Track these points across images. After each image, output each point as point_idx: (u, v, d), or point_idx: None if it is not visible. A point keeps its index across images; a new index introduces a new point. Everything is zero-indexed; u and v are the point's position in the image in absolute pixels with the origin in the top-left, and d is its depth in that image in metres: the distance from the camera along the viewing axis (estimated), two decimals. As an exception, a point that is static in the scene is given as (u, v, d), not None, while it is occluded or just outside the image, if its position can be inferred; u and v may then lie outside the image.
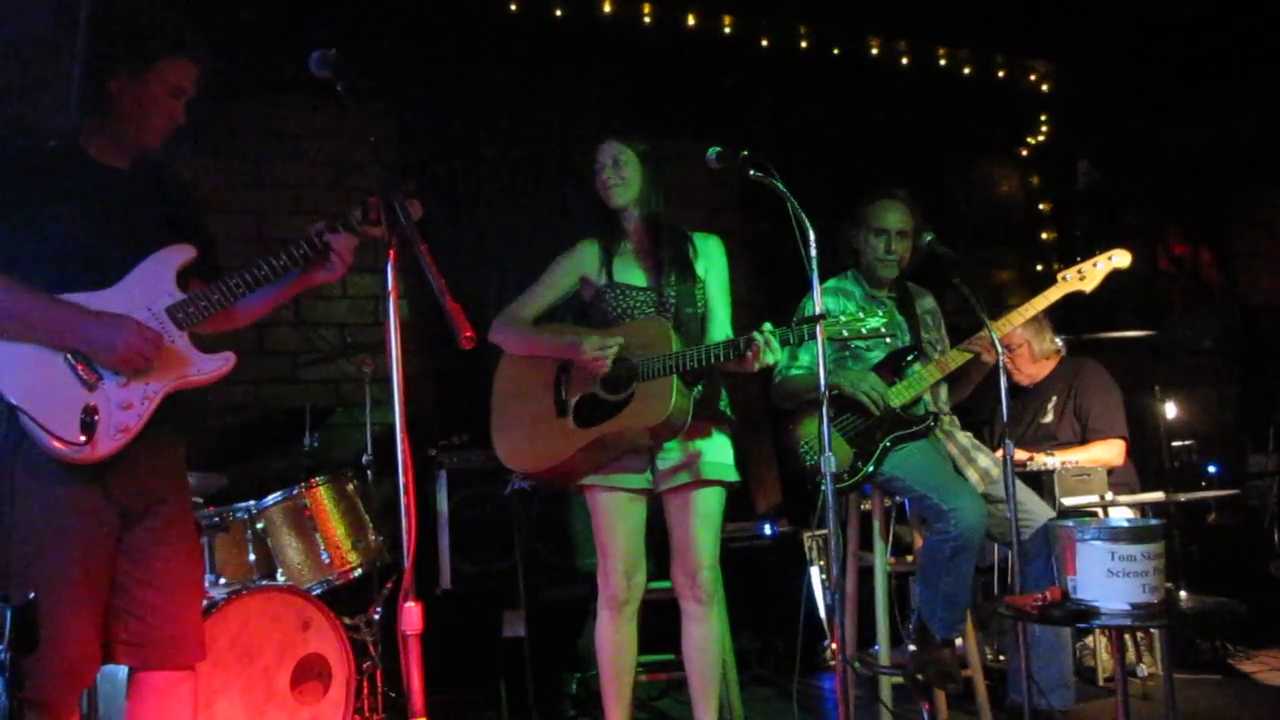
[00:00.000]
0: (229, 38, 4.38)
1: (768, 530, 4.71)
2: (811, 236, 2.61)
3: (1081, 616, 2.38)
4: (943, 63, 6.09)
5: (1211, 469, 5.25)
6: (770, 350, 2.76)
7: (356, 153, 4.83)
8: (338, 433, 4.75)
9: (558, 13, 5.15)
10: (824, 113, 5.59)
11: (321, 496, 3.73)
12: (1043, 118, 6.44)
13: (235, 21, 4.40)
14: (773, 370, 3.48)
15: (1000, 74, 6.29)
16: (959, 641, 3.38)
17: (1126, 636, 3.85)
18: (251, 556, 3.58)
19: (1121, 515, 4.01)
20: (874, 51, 5.89)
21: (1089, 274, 3.49)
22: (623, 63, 5.23)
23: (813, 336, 2.61)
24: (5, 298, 2.19)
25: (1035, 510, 3.55)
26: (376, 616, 3.76)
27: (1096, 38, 5.67)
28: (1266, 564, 4.90)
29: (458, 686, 4.14)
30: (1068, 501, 3.89)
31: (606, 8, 5.23)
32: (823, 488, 2.57)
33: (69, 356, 2.24)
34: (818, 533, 4.60)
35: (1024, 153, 6.53)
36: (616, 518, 3.03)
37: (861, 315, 2.67)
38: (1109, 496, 3.98)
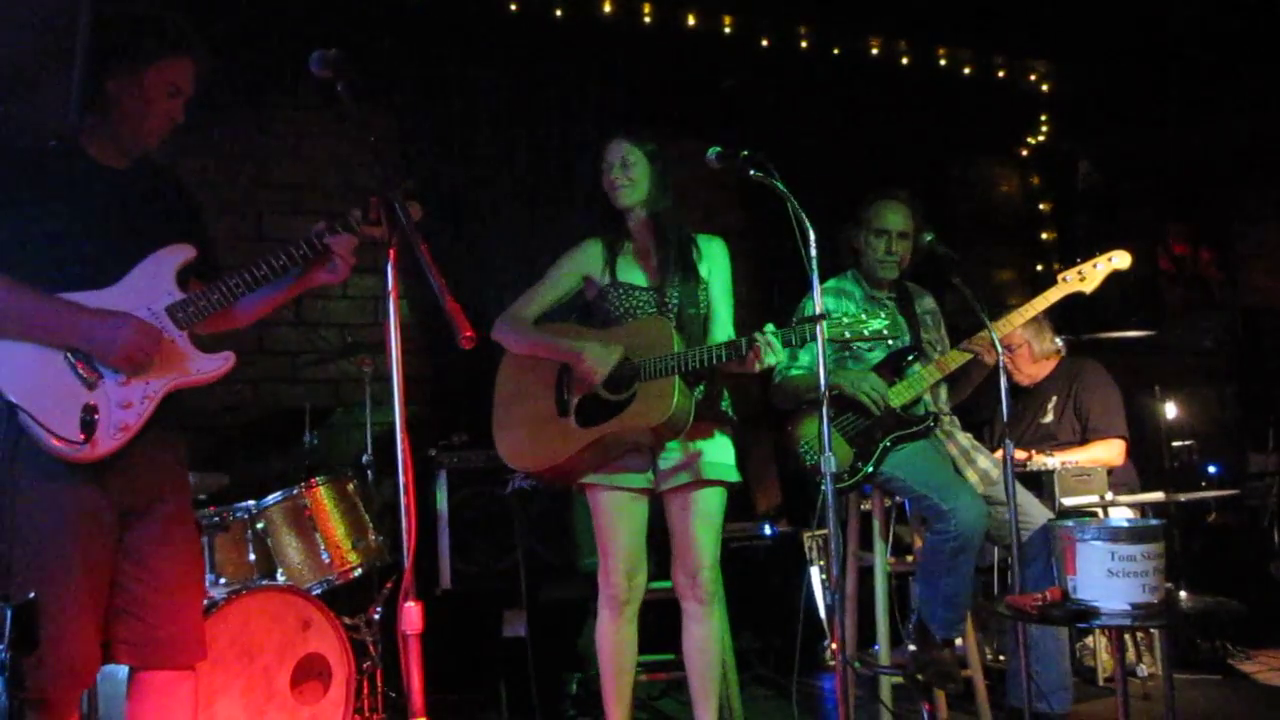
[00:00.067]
0: (229, 38, 4.38)
1: (768, 530, 4.71)
2: (811, 236, 2.60)
3: (1081, 616, 2.38)
4: (943, 63, 6.09)
5: (1211, 469, 5.25)
6: (772, 351, 2.76)
7: (356, 153, 4.82)
8: (338, 433, 4.75)
9: (558, 13, 5.15)
10: (824, 113, 5.59)
11: (321, 496, 3.73)
12: (1043, 118, 6.44)
13: (235, 21, 4.40)
14: (772, 371, 3.48)
15: (1000, 74, 6.29)
16: (959, 642, 3.38)
17: (1126, 636, 3.85)
18: (251, 556, 3.58)
19: (1121, 515, 4.02)
20: (874, 51, 5.89)
21: (1089, 275, 3.49)
22: (623, 63, 5.23)
23: (814, 337, 2.61)
24: (5, 296, 2.19)
25: (1034, 513, 3.55)
26: (376, 616, 3.76)
27: (1096, 38, 5.67)
28: (1266, 564, 4.90)
29: (458, 686, 4.14)
30: (1068, 501, 3.89)
31: (606, 8, 5.23)
32: (823, 488, 2.57)
33: (69, 355, 2.24)
34: (818, 533, 4.60)
35: (1024, 153, 6.53)
36: (618, 517, 3.03)
37: (863, 317, 2.67)
38: (1109, 496, 3.98)
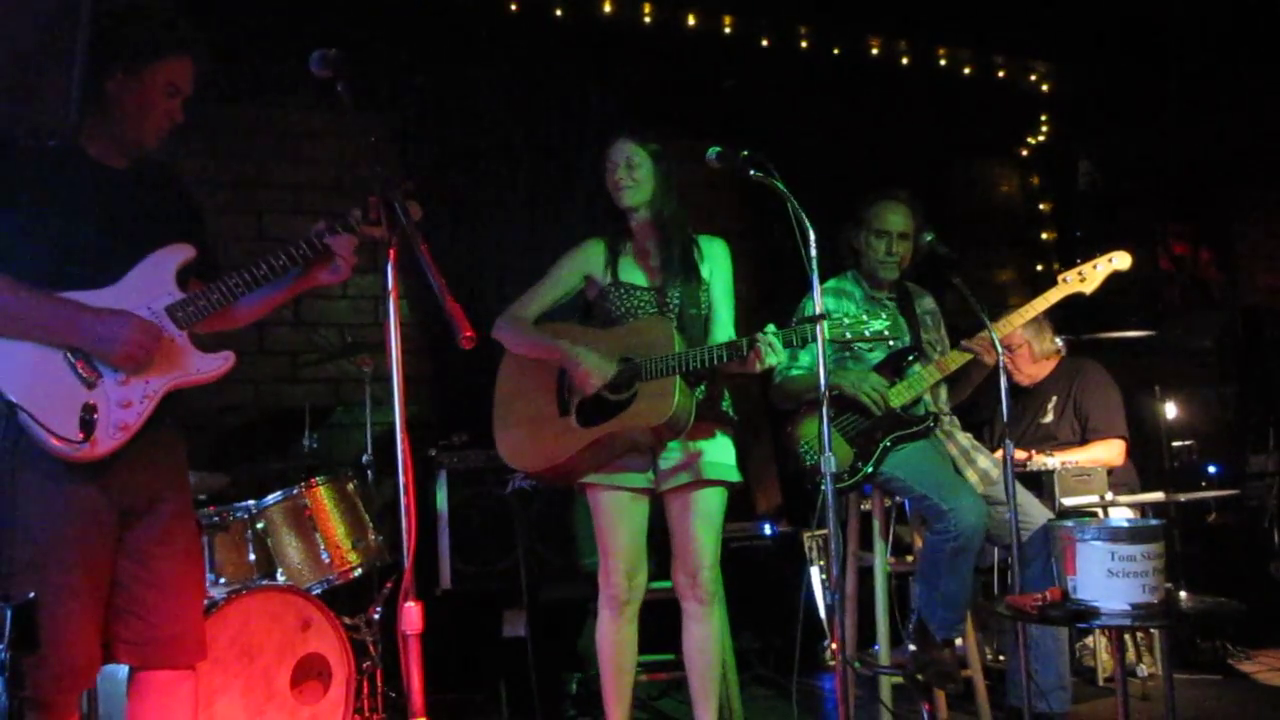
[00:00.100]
0: (229, 38, 4.38)
1: (768, 530, 4.71)
2: (811, 236, 2.60)
3: (1081, 617, 2.39)
4: (943, 63, 6.08)
5: (1211, 469, 5.25)
6: (773, 351, 2.76)
7: (356, 153, 4.82)
8: (338, 433, 4.75)
9: (558, 13, 5.14)
10: (824, 113, 5.58)
11: (321, 496, 3.73)
12: (1043, 118, 6.44)
13: (235, 21, 4.40)
14: (772, 371, 3.48)
15: (1000, 74, 6.29)
16: (959, 642, 3.38)
17: (1126, 637, 3.85)
18: (251, 556, 3.58)
19: (1121, 515, 4.02)
20: (874, 51, 5.89)
21: (1089, 276, 3.49)
22: (623, 63, 5.23)
23: (814, 338, 2.61)
24: (4, 295, 2.19)
25: (1033, 513, 3.55)
26: (376, 616, 3.76)
27: (1096, 38, 5.67)
28: (1266, 564, 4.90)
29: (458, 686, 4.14)
30: (1068, 502, 3.89)
31: (606, 8, 5.23)
32: (823, 488, 2.57)
33: (68, 354, 2.24)
34: (818, 533, 4.60)
35: (1024, 153, 6.53)
36: (618, 517, 3.03)
37: (865, 318, 2.66)
38: (1109, 497, 3.98)
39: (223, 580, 3.42)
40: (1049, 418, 4.41)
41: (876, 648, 3.50)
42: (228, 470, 3.78)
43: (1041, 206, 6.51)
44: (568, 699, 4.07)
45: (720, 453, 3.06)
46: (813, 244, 2.61)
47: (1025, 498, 3.58)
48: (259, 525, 3.61)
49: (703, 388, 3.00)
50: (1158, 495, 4.16)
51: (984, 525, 3.22)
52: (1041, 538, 3.47)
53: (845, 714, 2.57)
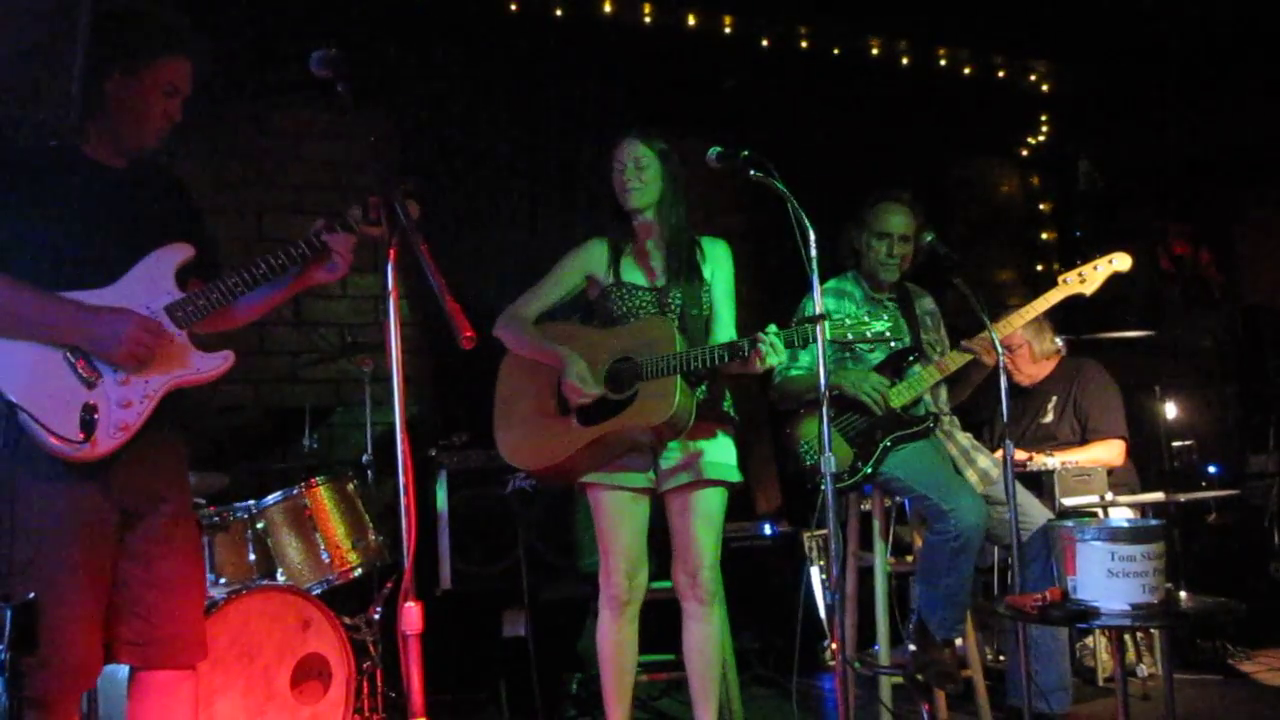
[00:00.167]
0: (229, 38, 4.38)
1: (768, 530, 4.71)
2: (812, 237, 2.60)
3: (1081, 617, 2.39)
4: (943, 63, 6.08)
5: (1211, 469, 5.25)
6: (774, 352, 2.76)
7: (356, 153, 4.82)
8: (338, 433, 4.76)
9: (558, 13, 5.14)
10: (824, 113, 5.59)
11: (321, 496, 3.73)
12: (1043, 118, 6.44)
13: (235, 21, 4.40)
14: (772, 371, 3.48)
15: (1000, 74, 6.29)
16: (959, 642, 3.38)
17: (1126, 637, 3.85)
18: (251, 556, 3.58)
19: (1121, 515, 4.01)
20: (874, 52, 5.89)
21: (1089, 277, 3.49)
22: (623, 63, 5.23)
23: (815, 338, 2.61)
24: (4, 295, 2.19)
25: (1033, 513, 3.55)
26: (376, 616, 3.75)
27: (1096, 38, 5.67)
28: (1266, 564, 4.90)
29: (458, 686, 4.14)
30: (1068, 502, 3.89)
31: (606, 8, 5.23)
32: (823, 488, 2.57)
33: (69, 354, 2.24)
34: (817, 533, 4.60)
35: (1024, 153, 6.53)
36: (619, 517, 3.03)
37: (866, 318, 2.66)
38: (1109, 497, 3.98)
39: (223, 580, 3.42)
40: (1049, 418, 4.41)
41: (876, 648, 3.50)
42: (228, 470, 3.78)
43: (1041, 206, 6.51)
44: (568, 699, 4.07)
45: (721, 453, 3.06)
46: (813, 244, 2.61)
47: (1025, 498, 3.58)
48: (259, 525, 3.61)
49: (704, 388, 3.00)
50: (1158, 495, 4.16)
51: (984, 525, 3.22)
52: (1041, 538, 3.48)
53: (845, 714, 2.57)
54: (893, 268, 3.57)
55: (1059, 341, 4.34)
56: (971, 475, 3.44)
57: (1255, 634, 4.45)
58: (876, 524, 3.48)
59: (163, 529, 2.34)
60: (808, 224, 2.60)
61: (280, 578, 3.57)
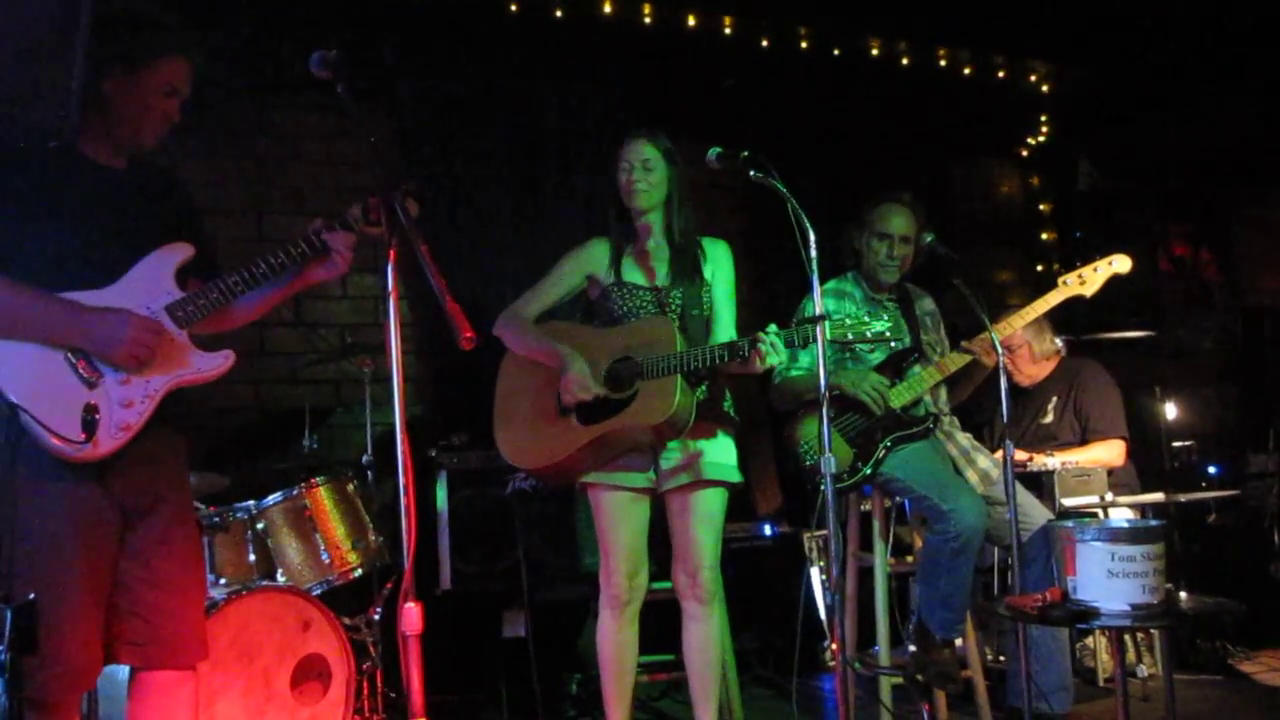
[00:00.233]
0: (229, 38, 4.38)
1: (768, 530, 4.71)
2: (812, 237, 2.60)
3: (1081, 617, 2.39)
4: (943, 63, 6.08)
5: (1211, 469, 5.25)
6: (774, 352, 2.76)
7: (356, 153, 4.82)
8: (338, 433, 4.75)
9: (558, 13, 5.14)
10: (824, 113, 5.59)
11: (322, 497, 3.72)
12: (1043, 118, 6.44)
13: (235, 22, 4.40)
14: (772, 371, 3.48)
15: (1000, 75, 6.29)
16: (959, 642, 3.38)
17: (1126, 637, 3.85)
18: (251, 557, 3.57)
19: (1121, 516, 4.02)
20: (874, 52, 5.89)
21: (1089, 279, 3.50)
22: (623, 63, 5.23)
23: (815, 338, 2.61)
24: (4, 296, 2.19)
25: (1033, 513, 3.55)
26: (376, 617, 3.75)
27: (1096, 38, 5.67)
28: (1266, 565, 4.90)
29: (458, 687, 4.14)
30: (1068, 502, 3.89)
31: (606, 8, 5.23)
32: (822, 488, 2.57)
33: (69, 355, 2.24)
34: (817, 533, 4.60)
35: (1024, 153, 6.53)
36: (619, 517, 3.03)
37: (866, 319, 2.66)
38: (1109, 497, 3.98)
39: (223, 581, 3.41)
40: (1049, 418, 4.41)
41: (876, 648, 3.50)
42: (228, 471, 3.78)
43: (1041, 207, 6.51)
44: (568, 699, 4.07)
45: (721, 453, 3.06)
46: (813, 245, 2.61)
47: (1025, 498, 3.58)
48: (259, 526, 3.61)
49: (704, 388, 3.00)
50: (1158, 496, 4.16)
51: (984, 526, 3.22)
52: (1041, 538, 3.48)
53: (845, 715, 2.57)
54: (893, 268, 3.57)
55: (1059, 342, 4.34)
56: (971, 476, 3.44)
57: (1255, 634, 4.45)
58: (876, 524, 3.48)
59: (163, 529, 2.34)
60: (808, 224, 2.60)
61: (280, 578, 3.56)
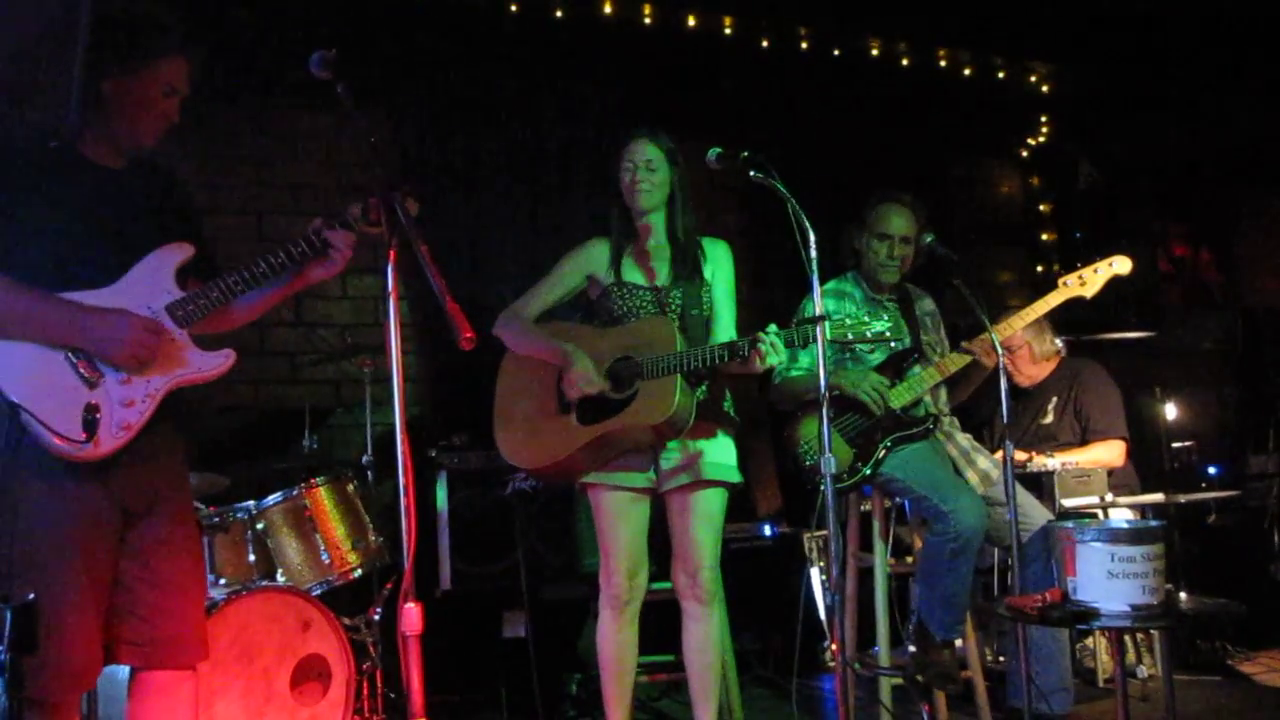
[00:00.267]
0: (229, 38, 4.38)
1: (768, 531, 4.71)
2: (812, 238, 2.60)
3: (1081, 618, 2.39)
4: (943, 64, 6.09)
5: (1211, 470, 5.24)
6: (774, 352, 2.76)
7: (356, 153, 4.82)
8: (338, 433, 4.75)
9: (558, 13, 5.15)
10: (824, 114, 5.59)
11: (321, 497, 3.72)
12: (1043, 119, 6.44)
13: (235, 22, 4.40)
14: (772, 371, 3.48)
15: (1000, 75, 6.29)
16: (959, 643, 3.38)
17: (1126, 638, 3.85)
18: (251, 557, 3.57)
19: (1121, 516, 4.02)
20: (874, 53, 5.89)
21: (1090, 280, 3.50)
22: (623, 63, 5.23)
23: (815, 338, 2.61)
24: (4, 296, 2.19)
25: (1033, 514, 3.55)
26: (376, 617, 3.75)
27: (1097, 38, 5.67)
28: (1266, 565, 4.90)
29: (458, 687, 4.14)
30: (1068, 503, 3.89)
31: (607, 8, 5.23)
32: (822, 488, 2.57)
33: (70, 355, 2.24)
34: (817, 533, 4.60)
35: (1024, 154, 6.53)
36: (619, 517, 3.03)
37: (866, 319, 2.66)
38: (1109, 498, 3.98)
39: (223, 581, 3.41)
40: (1049, 419, 4.41)
41: (876, 649, 3.50)
42: (228, 471, 3.78)
43: (1041, 207, 6.51)
44: (568, 700, 4.06)
45: (721, 453, 3.06)
46: (813, 245, 2.61)
47: (1025, 499, 3.58)
48: (259, 526, 3.61)
49: (704, 388, 3.00)
50: (1158, 496, 4.16)
51: (984, 526, 3.22)
52: (1041, 539, 3.48)
53: (845, 715, 2.57)
54: (893, 269, 3.57)
55: (1059, 342, 4.34)
56: (971, 476, 3.44)
57: (1255, 635, 4.45)
58: (876, 525, 3.48)
59: (163, 529, 2.34)
60: (808, 225, 2.61)
61: (280, 578, 3.56)
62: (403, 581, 2.02)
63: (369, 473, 4.09)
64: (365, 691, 3.61)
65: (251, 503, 3.63)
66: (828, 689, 4.33)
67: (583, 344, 3.02)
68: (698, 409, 2.94)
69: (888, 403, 3.39)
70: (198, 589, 2.46)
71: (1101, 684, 4.09)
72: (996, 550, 4.01)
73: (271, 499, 3.66)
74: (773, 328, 2.78)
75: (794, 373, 3.54)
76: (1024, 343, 4.30)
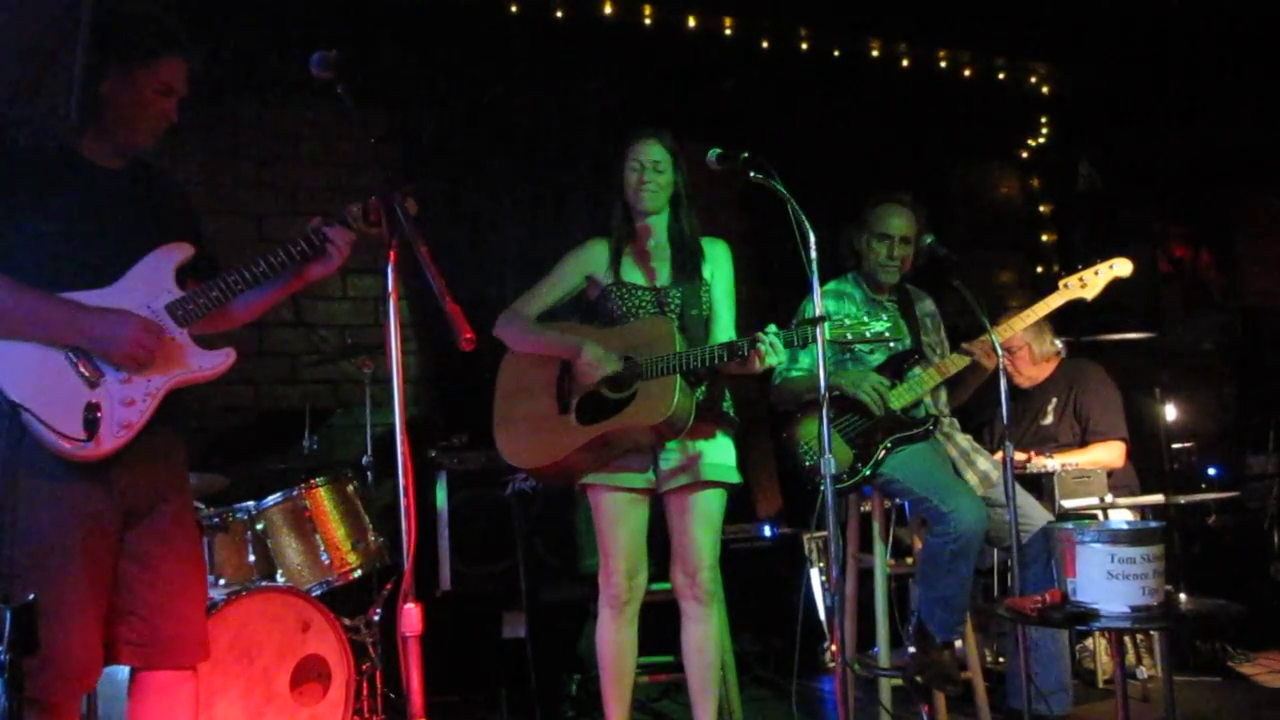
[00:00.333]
0: (229, 38, 4.38)
1: (767, 531, 4.71)
2: (812, 238, 2.60)
3: (1081, 619, 2.38)
4: (943, 65, 6.08)
5: (1211, 471, 5.25)
6: (774, 352, 2.76)
7: (356, 153, 4.82)
8: (338, 434, 4.75)
9: (558, 13, 5.15)
10: (824, 115, 5.59)
11: (321, 497, 3.72)
12: (1043, 120, 6.44)
13: (235, 22, 4.40)
14: (772, 372, 3.48)
15: (1000, 76, 6.29)
16: (958, 644, 3.38)
17: (1126, 639, 3.85)
18: (251, 557, 3.57)
19: (1121, 517, 4.02)
20: (874, 53, 5.89)
21: (1090, 282, 3.50)
22: (623, 63, 5.23)
23: (815, 339, 2.61)
24: (5, 296, 2.19)
25: (1033, 515, 3.55)
26: (376, 618, 3.75)
27: (1097, 40, 5.67)
28: (1266, 566, 4.90)
29: (458, 688, 4.13)
30: (1068, 503, 3.89)
31: (607, 9, 5.23)
32: (822, 489, 2.57)
33: (70, 354, 2.24)
34: (817, 534, 4.60)
35: (1024, 155, 6.53)
36: (619, 518, 3.03)
37: (865, 319, 2.66)
38: (1109, 498, 3.98)
39: (222, 581, 3.41)
40: (1049, 419, 4.41)
41: (876, 650, 3.50)
42: (228, 471, 3.78)
43: (1041, 208, 6.51)
44: (567, 700, 4.06)
45: (720, 454, 3.06)
46: (813, 246, 2.61)
47: (1025, 500, 3.58)
48: (259, 526, 3.61)
49: (703, 388, 3.00)
50: (1157, 497, 4.16)
51: (984, 527, 3.22)
52: (1041, 540, 3.48)
53: (845, 716, 2.57)
54: (893, 269, 3.57)
55: (1059, 343, 4.34)
56: (971, 477, 3.44)
57: (1255, 636, 4.45)
58: (876, 526, 3.48)
59: (163, 529, 2.34)
60: (808, 225, 2.61)
61: (280, 579, 3.56)
62: (402, 582, 2.02)
63: (369, 473, 4.09)
64: (365, 692, 3.61)
65: (251, 503, 3.63)
66: (827, 690, 4.33)
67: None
68: (697, 409, 2.94)
69: (888, 403, 3.39)
70: (198, 589, 2.46)
71: (1101, 685, 4.09)
72: (996, 551, 4.01)
73: (271, 499, 3.66)
74: (772, 328, 2.78)
75: (794, 373, 3.54)
76: (1024, 344, 4.29)
